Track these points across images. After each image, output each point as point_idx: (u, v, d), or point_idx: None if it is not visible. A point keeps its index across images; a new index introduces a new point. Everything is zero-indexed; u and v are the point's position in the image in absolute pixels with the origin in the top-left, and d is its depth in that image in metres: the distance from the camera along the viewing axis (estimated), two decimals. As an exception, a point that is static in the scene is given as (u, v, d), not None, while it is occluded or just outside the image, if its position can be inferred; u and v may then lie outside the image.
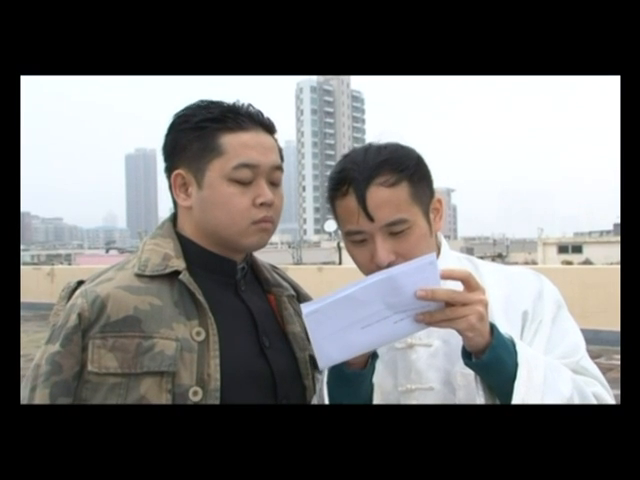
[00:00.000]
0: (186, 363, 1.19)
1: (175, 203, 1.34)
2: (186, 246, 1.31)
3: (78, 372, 1.17)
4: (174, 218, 1.37)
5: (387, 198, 1.18)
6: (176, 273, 1.25)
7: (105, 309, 1.19)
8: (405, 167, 1.20)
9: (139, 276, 1.24)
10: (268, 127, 1.32)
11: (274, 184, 1.30)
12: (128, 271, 1.26)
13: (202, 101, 1.31)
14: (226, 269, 1.33)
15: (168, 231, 1.34)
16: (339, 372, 1.15)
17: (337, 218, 1.26)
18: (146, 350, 1.17)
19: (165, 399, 1.16)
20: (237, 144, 1.26)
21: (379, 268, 1.18)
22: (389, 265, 1.17)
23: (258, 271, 1.42)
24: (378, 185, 1.18)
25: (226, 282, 1.33)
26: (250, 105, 1.31)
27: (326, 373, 1.19)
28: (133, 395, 1.16)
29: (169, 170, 1.32)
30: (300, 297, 1.48)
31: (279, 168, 1.31)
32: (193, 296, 1.24)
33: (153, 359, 1.17)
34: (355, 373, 1.15)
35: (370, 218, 1.17)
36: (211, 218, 1.27)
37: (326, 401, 1.17)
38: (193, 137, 1.27)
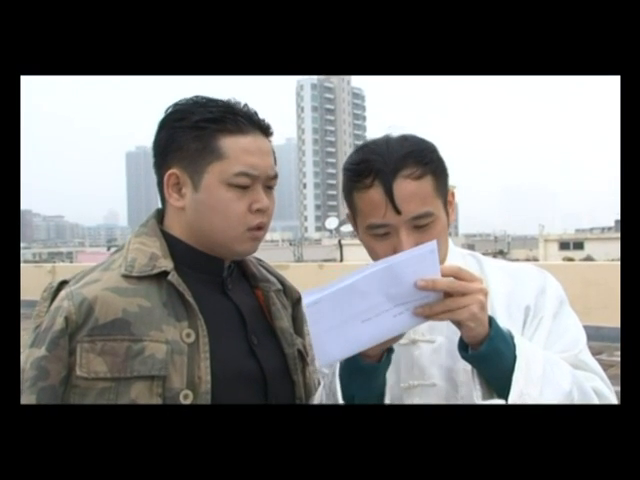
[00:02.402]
0: (176, 366, 1.17)
1: (163, 200, 1.31)
2: (172, 245, 1.28)
3: (65, 377, 1.15)
4: (158, 215, 1.34)
5: (414, 191, 1.17)
6: (164, 273, 1.22)
7: (93, 312, 1.16)
8: (429, 160, 1.19)
9: (126, 277, 1.21)
10: (265, 130, 1.30)
11: (269, 187, 1.29)
12: (114, 272, 1.23)
13: (197, 97, 1.28)
14: (213, 268, 1.31)
15: (153, 229, 1.30)
16: (354, 364, 1.13)
17: (356, 211, 1.23)
18: (136, 354, 1.15)
19: (155, 403, 1.14)
20: (238, 149, 1.23)
21: None
22: None
23: (245, 266, 1.40)
24: (405, 177, 1.16)
25: (213, 281, 1.31)
26: (246, 105, 1.29)
27: (337, 366, 1.18)
28: (123, 400, 1.14)
29: (160, 167, 1.28)
30: (286, 290, 1.46)
31: (275, 175, 1.30)
32: (182, 297, 1.22)
33: (144, 363, 1.15)
34: (371, 366, 1.13)
35: (397, 211, 1.16)
36: (206, 222, 1.25)
37: (338, 393, 1.16)
38: (191, 137, 1.23)
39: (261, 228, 1.28)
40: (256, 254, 1.44)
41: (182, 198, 1.26)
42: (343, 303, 1.03)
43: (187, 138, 1.24)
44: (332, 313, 1.03)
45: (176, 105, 1.28)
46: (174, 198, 1.27)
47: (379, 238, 1.21)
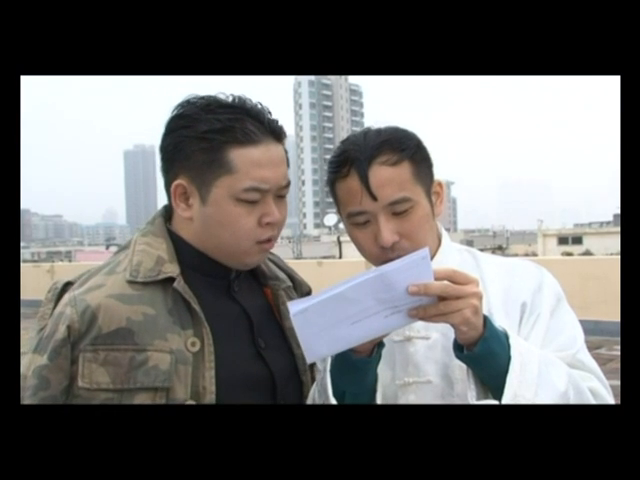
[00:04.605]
0: (180, 376, 1.15)
1: (170, 200, 1.27)
2: (180, 247, 1.25)
3: (67, 387, 1.13)
4: (166, 213, 1.30)
5: (390, 177, 1.17)
6: (170, 279, 1.20)
7: (96, 320, 1.14)
8: (406, 147, 1.20)
9: (131, 282, 1.18)
10: (277, 135, 1.23)
11: (281, 197, 1.25)
12: (119, 276, 1.20)
13: (207, 99, 1.22)
14: (220, 271, 1.28)
15: (160, 229, 1.27)
16: (345, 359, 1.13)
17: (338, 202, 1.25)
18: (139, 364, 1.13)
19: None
20: (248, 162, 1.18)
21: (383, 250, 1.18)
22: (393, 246, 1.17)
23: None
24: (380, 164, 1.17)
25: (219, 284, 1.28)
26: (257, 104, 1.22)
27: (329, 361, 1.18)
28: None
29: (167, 173, 1.24)
30: (295, 284, 1.44)
31: (288, 184, 1.25)
32: (188, 304, 1.19)
33: (147, 374, 1.13)
34: (361, 360, 1.13)
35: (373, 197, 1.16)
36: (214, 236, 1.22)
37: (329, 389, 1.15)
38: (198, 149, 1.18)
39: (270, 240, 1.25)
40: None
41: (189, 209, 1.23)
42: (331, 310, 1.02)
43: (194, 149, 1.19)
44: (320, 319, 1.02)
45: (183, 106, 1.22)
46: (181, 208, 1.23)
47: (360, 227, 1.21)
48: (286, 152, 1.28)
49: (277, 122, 1.24)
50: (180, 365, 1.15)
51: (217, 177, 1.18)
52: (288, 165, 1.27)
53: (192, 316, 1.19)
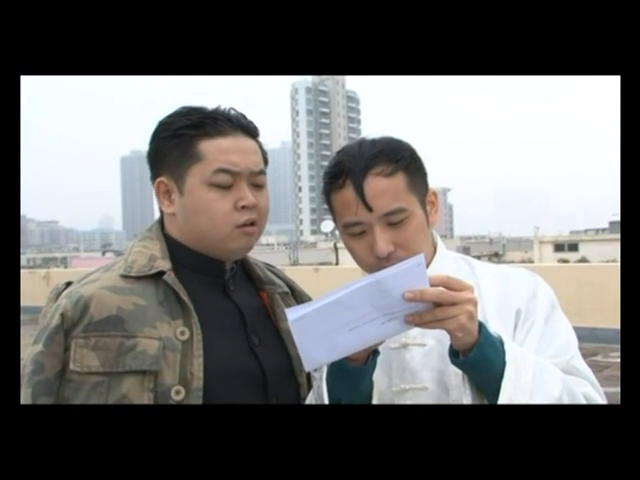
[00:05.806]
0: (169, 362, 1.19)
1: (159, 202, 1.35)
2: (174, 248, 1.31)
3: (60, 371, 1.18)
4: (162, 220, 1.37)
5: (385, 187, 1.18)
6: (161, 273, 1.25)
7: (88, 309, 1.20)
8: (400, 157, 1.21)
9: (124, 277, 1.25)
10: (249, 130, 1.31)
11: (257, 186, 1.30)
12: (114, 272, 1.27)
13: (183, 108, 1.31)
14: (214, 270, 1.33)
15: (156, 233, 1.34)
16: (340, 367, 1.14)
17: (334, 212, 1.26)
18: (128, 349, 1.18)
19: (147, 398, 1.16)
20: (215, 149, 1.26)
21: (378, 260, 1.19)
22: (388, 256, 1.18)
23: (250, 269, 1.42)
24: (375, 175, 1.19)
25: (214, 282, 1.33)
26: (232, 109, 1.31)
27: (325, 369, 1.18)
28: (115, 394, 1.17)
29: (153, 178, 1.32)
30: (295, 294, 1.48)
31: (261, 171, 1.31)
32: (178, 296, 1.25)
33: (135, 358, 1.18)
34: (356, 368, 1.13)
35: (368, 208, 1.18)
36: (194, 224, 1.28)
37: (325, 396, 1.16)
38: (172, 145, 1.27)
39: (253, 224, 1.29)
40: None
41: (172, 204, 1.30)
42: (329, 316, 1.03)
43: (169, 147, 1.28)
44: (317, 326, 1.03)
45: (165, 118, 1.32)
46: (166, 205, 1.31)
47: (356, 237, 1.22)
48: (265, 152, 1.34)
49: (251, 123, 1.32)
50: (168, 352, 1.20)
51: (189, 167, 1.26)
52: (266, 162, 1.33)
53: (182, 307, 1.25)
